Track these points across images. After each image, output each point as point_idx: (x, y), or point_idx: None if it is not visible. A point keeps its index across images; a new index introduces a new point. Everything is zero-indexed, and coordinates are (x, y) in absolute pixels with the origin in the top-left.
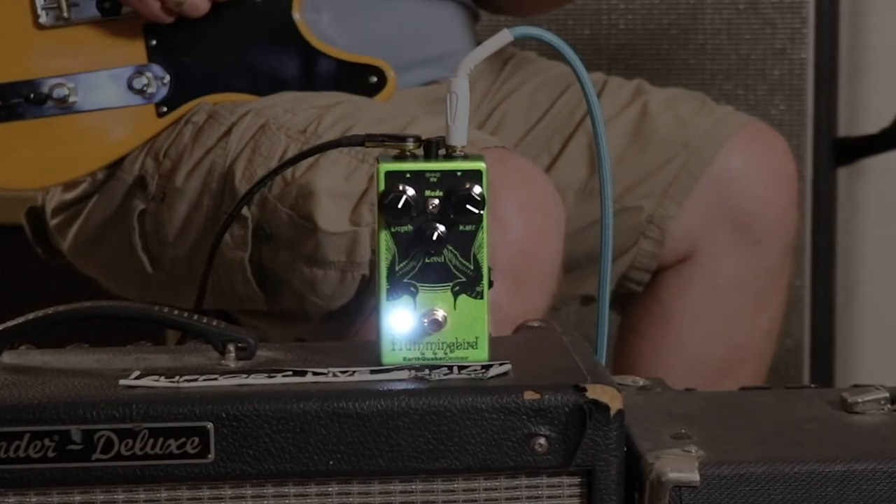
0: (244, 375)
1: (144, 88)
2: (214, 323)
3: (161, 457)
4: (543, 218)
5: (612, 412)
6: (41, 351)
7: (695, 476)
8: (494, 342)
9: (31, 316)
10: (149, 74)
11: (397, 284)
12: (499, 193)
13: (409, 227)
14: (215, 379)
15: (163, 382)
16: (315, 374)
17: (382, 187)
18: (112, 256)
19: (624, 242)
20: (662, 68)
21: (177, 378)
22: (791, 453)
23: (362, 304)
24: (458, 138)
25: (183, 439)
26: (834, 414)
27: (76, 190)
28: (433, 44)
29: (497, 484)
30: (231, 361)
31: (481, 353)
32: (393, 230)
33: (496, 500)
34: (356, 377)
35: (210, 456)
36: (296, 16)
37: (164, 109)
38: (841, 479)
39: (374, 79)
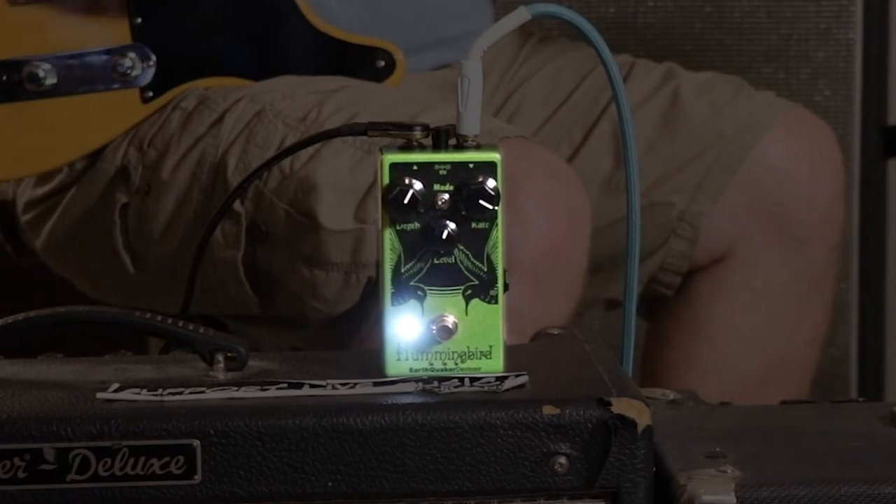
0: (234, 388)
1: (128, 71)
2: (202, 330)
3: (143, 478)
4: (570, 216)
5: (640, 428)
6: (10, 361)
7: (731, 499)
8: (510, 351)
9: None
10: (133, 55)
11: (403, 288)
12: (521, 189)
13: (416, 225)
14: (202, 392)
15: (144, 396)
16: (312, 386)
17: (387, 180)
18: (90, 256)
19: (652, 242)
20: (695, 49)
21: (160, 391)
22: (837, 473)
23: (367, 310)
24: (471, 126)
25: (167, 458)
26: (883, 430)
27: (51, 182)
28: (446, 24)
29: None
30: (220, 372)
31: (495, 364)
32: (398, 228)
33: None
34: (357, 390)
35: (197, 477)
36: None
37: (150, 94)
38: (891, 502)
39: (382, 63)
